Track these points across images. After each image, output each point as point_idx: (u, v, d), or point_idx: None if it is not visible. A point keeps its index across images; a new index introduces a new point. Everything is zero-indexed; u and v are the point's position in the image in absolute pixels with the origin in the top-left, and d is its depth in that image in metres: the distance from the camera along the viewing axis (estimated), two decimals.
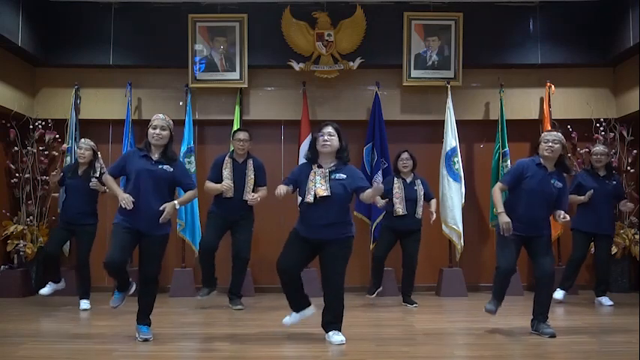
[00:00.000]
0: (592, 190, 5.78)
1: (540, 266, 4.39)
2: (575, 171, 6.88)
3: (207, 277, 5.71)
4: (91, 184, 5.60)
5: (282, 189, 4.11)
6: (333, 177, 4.10)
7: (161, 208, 4.12)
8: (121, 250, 4.10)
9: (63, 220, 5.77)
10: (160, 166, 4.19)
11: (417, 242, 5.96)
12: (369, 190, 4.10)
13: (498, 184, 4.59)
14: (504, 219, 4.32)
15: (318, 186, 4.06)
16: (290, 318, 4.31)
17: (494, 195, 4.53)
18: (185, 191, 4.41)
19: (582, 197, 5.81)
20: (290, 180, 4.21)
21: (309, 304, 4.32)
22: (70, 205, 5.69)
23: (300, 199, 4.22)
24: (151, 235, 4.15)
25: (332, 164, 4.16)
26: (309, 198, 4.07)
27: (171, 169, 4.22)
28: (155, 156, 4.22)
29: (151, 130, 4.22)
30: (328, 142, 4.12)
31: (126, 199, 4.08)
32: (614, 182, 5.95)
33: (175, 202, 4.20)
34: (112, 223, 4.22)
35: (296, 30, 6.94)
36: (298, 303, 4.30)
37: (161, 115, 4.29)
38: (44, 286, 5.76)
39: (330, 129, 4.17)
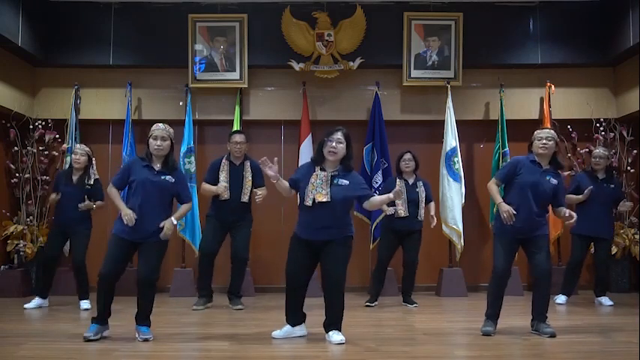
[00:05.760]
0: (591, 187, 5.75)
1: (538, 266, 4.38)
2: (575, 169, 6.90)
3: (204, 285, 5.71)
4: (80, 206, 5.54)
5: (281, 182, 4.09)
6: (335, 182, 4.09)
7: (161, 225, 4.13)
8: (114, 262, 4.13)
9: (57, 223, 5.78)
10: (162, 177, 4.20)
11: (418, 242, 5.95)
12: (380, 197, 4.15)
13: (492, 180, 4.58)
14: (504, 207, 4.28)
15: (319, 190, 4.05)
16: (280, 332, 4.28)
17: (490, 189, 4.50)
18: (181, 203, 4.37)
19: (580, 196, 5.80)
20: (292, 180, 4.19)
21: (303, 322, 4.33)
22: (64, 211, 5.66)
23: (299, 199, 4.21)
24: (150, 241, 4.16)
25: (335, 169, 4.15)
26: (308, 202, 4.07)
27: (173, 180, 4.23)
28: (157, 166, 4.23)
29: (151, 141, 4.22)
30: (335, 151, 4.09)
31: (129, 216, 4.07)
32: (613, 186, 5.94)
33: (172, 218, 4.21)
34: (111, 226, 4.23)
35: (296, 30, 6.94)
36: (295, 315, 4.30)
37: (161, 125, 4.27)
38: (37, 296, 5.72)
39: (339, 135, 4.12)
